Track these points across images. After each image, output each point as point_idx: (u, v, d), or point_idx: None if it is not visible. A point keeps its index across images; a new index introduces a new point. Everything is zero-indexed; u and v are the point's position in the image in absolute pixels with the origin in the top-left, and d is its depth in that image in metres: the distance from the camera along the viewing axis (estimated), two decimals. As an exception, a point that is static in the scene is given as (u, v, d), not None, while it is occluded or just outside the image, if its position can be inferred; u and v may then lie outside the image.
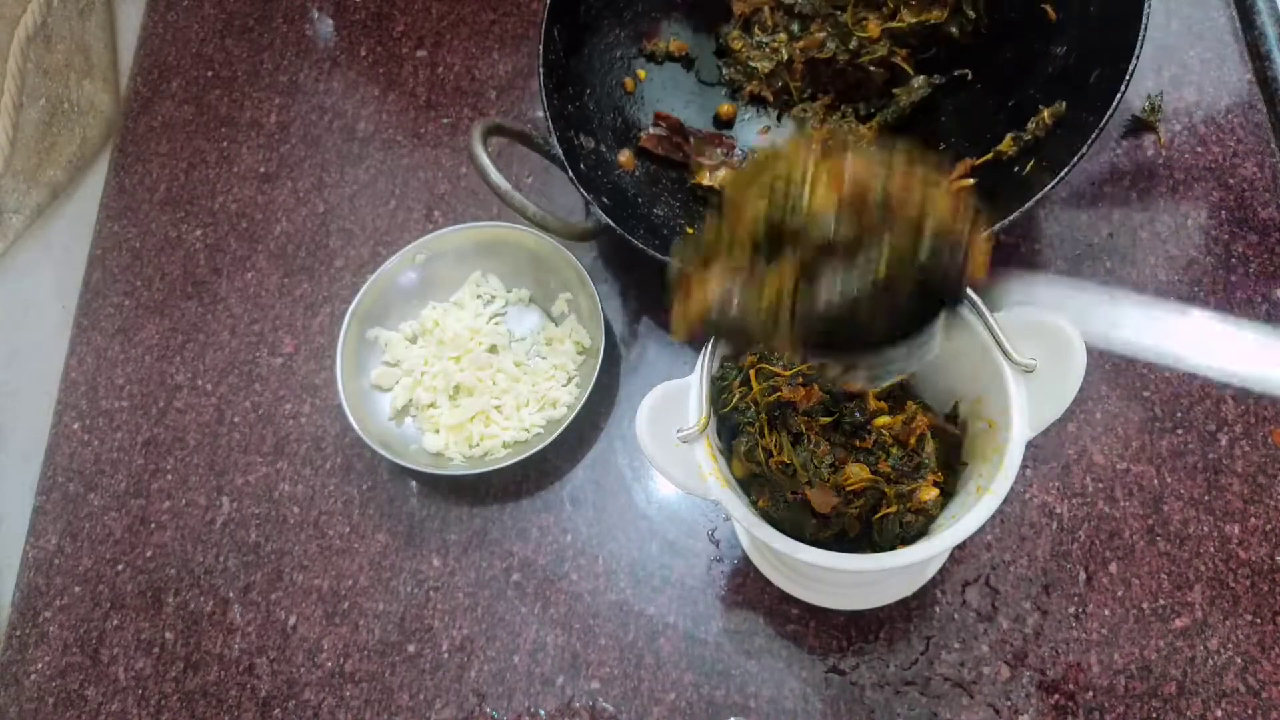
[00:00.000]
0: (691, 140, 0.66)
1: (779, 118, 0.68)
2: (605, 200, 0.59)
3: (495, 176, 0.56)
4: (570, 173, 0.59)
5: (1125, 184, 0.64)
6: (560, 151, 0.60)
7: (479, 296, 0.66)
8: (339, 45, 0.79)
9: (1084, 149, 0.51)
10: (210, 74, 0.79)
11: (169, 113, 0.78)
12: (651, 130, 0.65)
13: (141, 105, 0.79)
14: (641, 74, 0.68)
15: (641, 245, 0.56)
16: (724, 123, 0.69)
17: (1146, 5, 0.52)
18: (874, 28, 0.63)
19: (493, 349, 0.64)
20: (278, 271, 0.70)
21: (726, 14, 0.70)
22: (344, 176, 0.73)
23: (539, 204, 0.69)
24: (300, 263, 0.70)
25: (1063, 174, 0.51)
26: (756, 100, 0.68)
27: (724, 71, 0.69)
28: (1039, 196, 0.51)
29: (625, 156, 0.64)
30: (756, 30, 0.68)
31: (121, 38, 0.82)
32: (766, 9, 0.67)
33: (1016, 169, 0.58)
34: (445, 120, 0.74)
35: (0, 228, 0.69)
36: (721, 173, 0.65)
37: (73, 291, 0.72)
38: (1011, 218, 0.52)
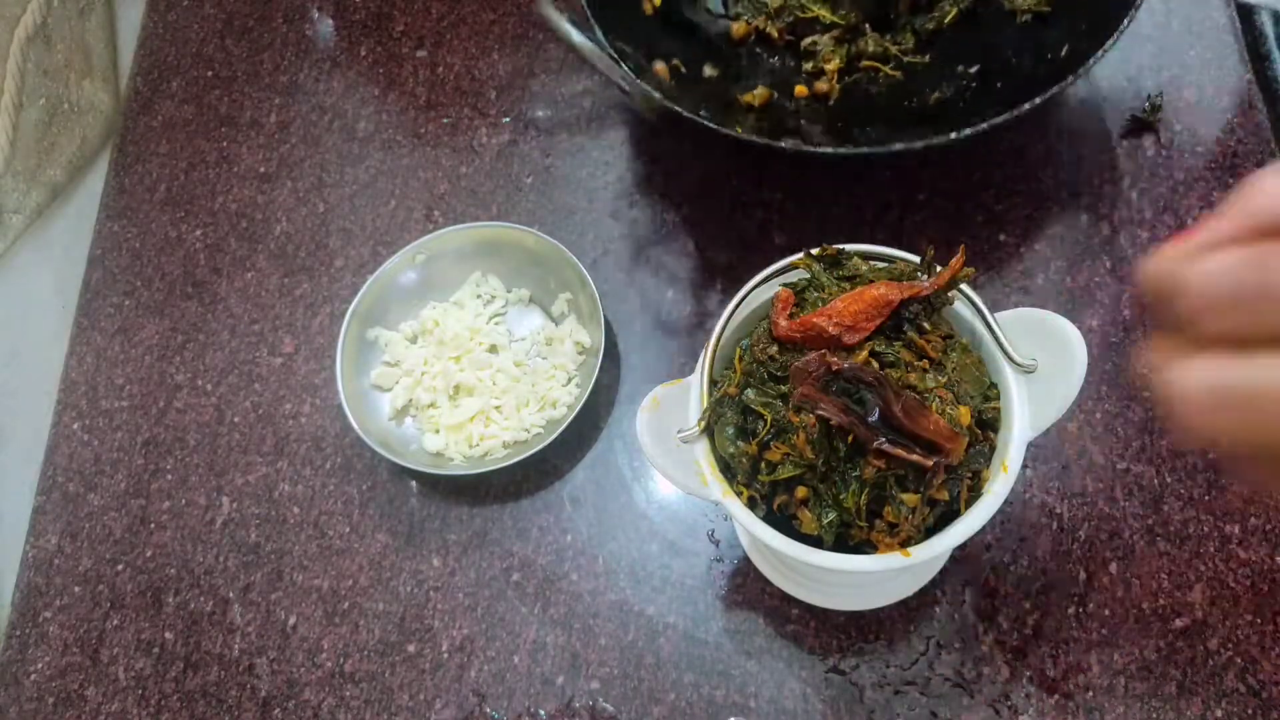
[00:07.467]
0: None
1: (785, 58, 0.69)
2: (656, 94, 0.59)
3: (578, 37, 0.58)
4: (623, 67, 0.59)
5: (1125, 184, 0.64)
6: (609, 48, 0.60)
7: (479, 296, 0.66)
8: (339, 45, 0.79)
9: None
10: (210, 74, 0.79)
11: (169, 113, 0.78)
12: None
13: (141, 105, 0.79)
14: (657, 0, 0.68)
15: (704, 120, 0.56)
16: (737, 42, 0.69)
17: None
18: None
19: (493, 349, 0.64)
20: (278, 271, 0.70)
21: None
22: (344, 176, 0.73)
23: (538, 203, 0.70)
24: (300, 263, 0.70)
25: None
26: (762, 38, 0.69)
27: (731, 8, 0.70)
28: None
29: (660, 66, 0.64)
30: None
31: (121, 38, 0.82)
32: None
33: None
34: (445, 120, 0.74)
35: (0, 228, 0.69)
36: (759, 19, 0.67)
37: (73, 291, 0.72)
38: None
